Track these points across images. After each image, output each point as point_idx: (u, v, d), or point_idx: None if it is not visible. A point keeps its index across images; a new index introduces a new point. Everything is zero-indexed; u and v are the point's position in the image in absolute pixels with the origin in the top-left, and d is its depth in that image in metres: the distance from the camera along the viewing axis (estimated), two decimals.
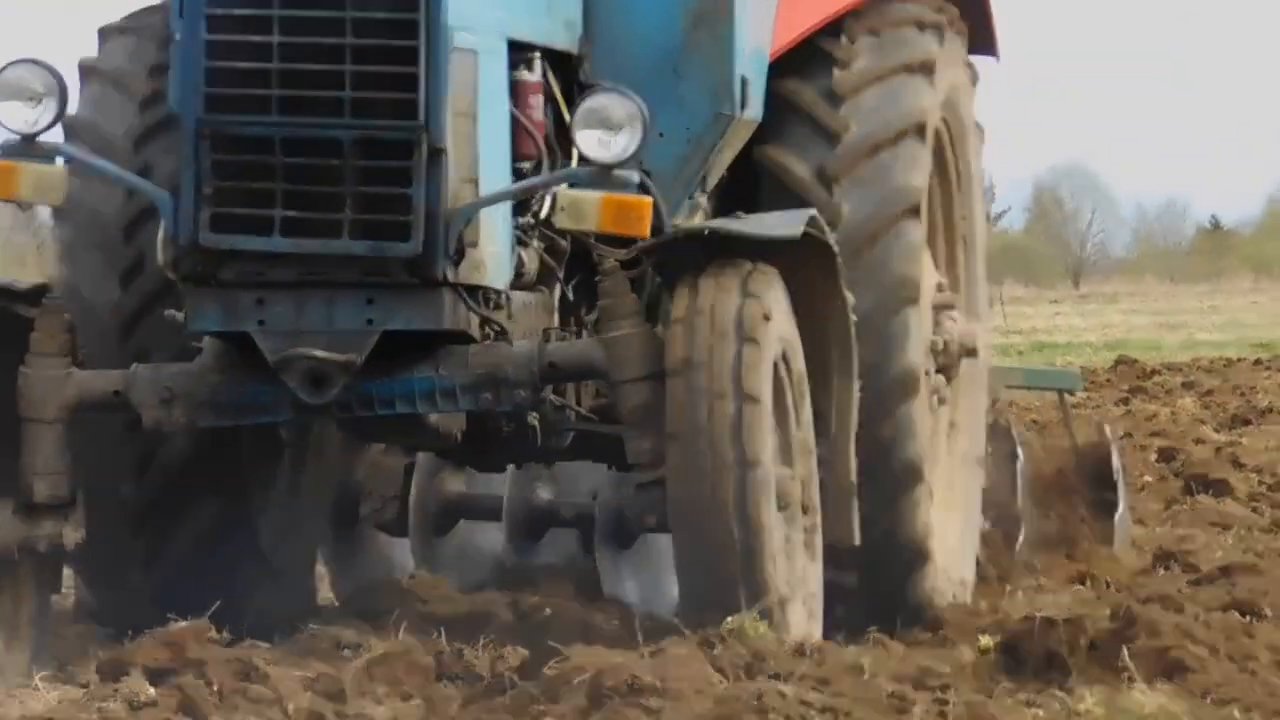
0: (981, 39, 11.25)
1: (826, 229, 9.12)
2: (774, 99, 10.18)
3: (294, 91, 8.33)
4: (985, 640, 9.66)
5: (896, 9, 10.52)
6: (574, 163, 9.00)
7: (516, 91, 9.14)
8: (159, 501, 9.78)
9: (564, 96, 9.66)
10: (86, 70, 9.58)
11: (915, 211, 9.98)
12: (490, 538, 11.55)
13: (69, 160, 8.70)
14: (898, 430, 9.95)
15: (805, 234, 8.84)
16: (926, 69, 10.19)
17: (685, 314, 8.44)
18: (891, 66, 10.17)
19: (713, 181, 10.14)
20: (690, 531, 8.44)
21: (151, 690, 8.24)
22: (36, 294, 8.81)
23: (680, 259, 8.71)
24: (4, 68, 8.56)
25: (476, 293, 8.66)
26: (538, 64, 9.10)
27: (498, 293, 8.78)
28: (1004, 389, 13.43)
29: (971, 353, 10.90)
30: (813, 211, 9.13)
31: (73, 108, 8.83)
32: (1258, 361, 33.01)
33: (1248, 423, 22.21)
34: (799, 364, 8.90)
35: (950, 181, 11.02)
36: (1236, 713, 8.79)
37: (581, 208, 8.46)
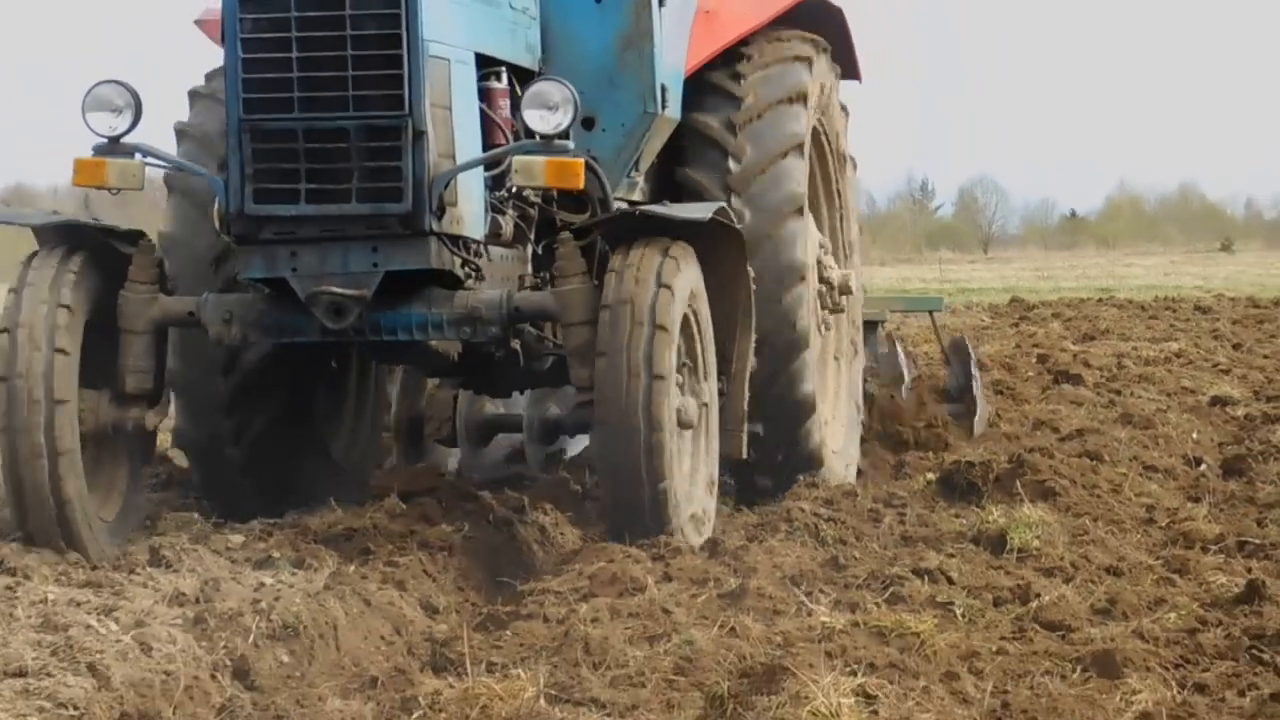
0: (847, 69, 12.87)
1: (733, 217, 10.54)
2: (689, 129, 11.66)
3: (309, 94, 9.53)
4: (930, 476, 12.56)
5: (775, 46, 11.90)
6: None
7: (486, 95, 10.36)
8: (240, 394, 11.10)
9: None
10: (179, 133, 10.96)
11: (800, 211, 11.53)
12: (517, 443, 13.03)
13: (144, 155, 9.90)
14: (795, 374, 11.56)
15: (715, 220, 10.15)
16: (801, 98, 11.67)
17: (618, 268, 9.69)
18: (774, 100, 11.60)
19: (645, 164, 11.50)
20: (609, 425, 9.58)
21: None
22: (134, 236, 9.98)
23: (619, 232, 9.99)
24: (93, 86, 9.87)
25: (458, 241, 9.86)
26: (504, 75, 10.38)
27: (476, 242, 10.02)
28: (889, 313, 16.00)
29: (846, 290, 12.61)
30: (722, 204, 10.60)
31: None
32: (1099, 300, 40.84)
33: (1093, 339, 27.69)
34: (706, 320, 10.15)
35: (828, 163, 12.72)
36: (1087, 522, 11.35)
37: (531, 169, 9.72)
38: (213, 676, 7.81)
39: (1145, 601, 9.43)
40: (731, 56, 11.64)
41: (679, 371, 9.78)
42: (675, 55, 11.35)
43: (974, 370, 15.36)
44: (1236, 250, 64.72)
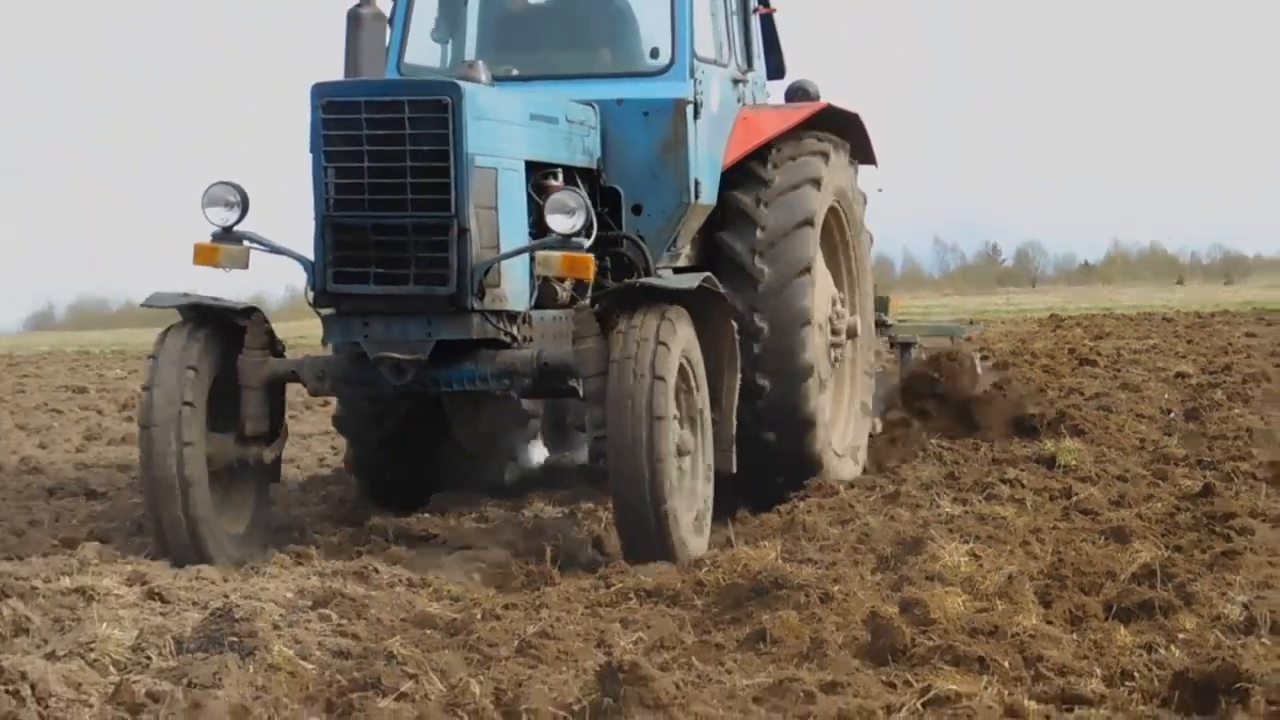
0: (863, 154, 13.26)
1: (718, 285, 10.65)
2: (728, 203, 11.94)
3: (378, 197, 9.78)
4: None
5: (798, 143, 12.22)
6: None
7: (544, 191, 10.50)
8: (382, 403, 11.76)
9: (591, 193, 11.13)
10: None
11: (807, 270, 11.79)
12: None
13: (251, 242, 10.25)
14: (801, 396, 11.75)
15: (702, 288, 10.35)
16: (815, 183, 12.00)
17: (624, 329, 9.81)
18: (792, 184, 11.95)
19: (684, 240, 11.78)
20: (619, 458, 9.61)
21: None
22: (249, 311, 10.39)
23: (625, 300, 10.10)
24: (210, 186, 10.20)
25: (500, 314, 10.07)
26: (559, 175, 10.65)
27: (519, 313, 10.23)
28: (918, 337, 16.28)
29: (853, 333, 13.00)
30: (708, 275, 10.65)
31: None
32: (1105, 315, 43.17)
33: (1101, 338, 31.51)
34: (699, 365, 10.26)
35: (847, 237, 13.05)
36: (1104, 449, 13.49)
37: (549, 261, 9.99)
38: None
39: (1141, 496, 11.37)
40: (765, 151, 12.07)
41: (678, 408, 9.89)
42: (713, 152, 11.77)
43: (979, 369, 15.74)
44: (1185, 283, 76.51)
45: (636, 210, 11.37)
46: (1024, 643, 7.24)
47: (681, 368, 9.88)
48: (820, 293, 12.06)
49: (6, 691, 6.90)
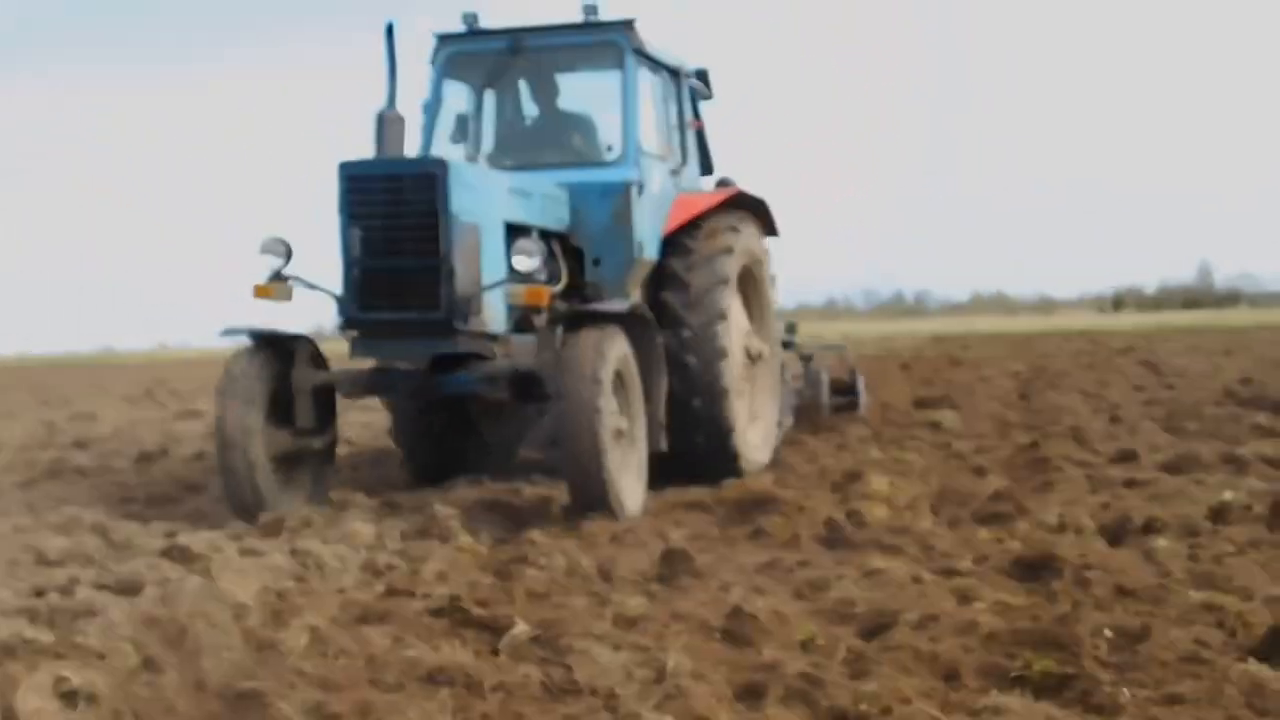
0: (768, 227, 11.44)
1: (647, 311, 9.30)
2: (665, 267, 10.28)
3: (388, 247, 8.55)
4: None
5: (718, 220, 10.61)
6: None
7: (542, 251, 8.95)
8: (422, 415, 10.55)
9: (564, 251, 9.86)
10: None
11: (723, 317, 10.05)
12: None
13: (295, 282, 8.89)
14: (721, 408, 9.98)
15: (632, 312, 9.06)
16: (729, 250, 10.33)
17: (571, 345, 8.48)
18: (714, 252, 10.31)
19: (633, 288, 10.00)
20: (570, 439, 8.22)
21: None
22: (299, 338, 9.12)
23: (575, 322, 8.82)
24: (263, 238, 8.92)
25: (483, 335, 8.79)
26: (535, 233, 9.03)
27: (498, 335, 8.91)
28: (817, 350, 14.18)
29: (760, 356, 11.03)
30: (637, 301, 9.43)
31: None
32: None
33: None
34: (633, 372, 8.84)
35: (759, 290, 11.14)
36: (970, 417, 13.30)
37: (515, 293, 8.75)
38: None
39: (992, 446, 11.09)
40: (693, 226, 10.54)
41: (616, 404, 8.55)
42: (655, 223, 10.28)
43: (860, 382, 14.35)
44: (1017, 315, 76.16)
45: (596, 263, 10.00)
46: (922, 537, 7.25)
47: (618, 372, 8.62)
48: (736, 330, 10.51)
49: (300, 563, 7.02)
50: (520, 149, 10.46)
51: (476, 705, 4.51)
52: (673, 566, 6.62)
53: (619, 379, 8.67)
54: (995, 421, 13.40)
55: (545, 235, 9.58)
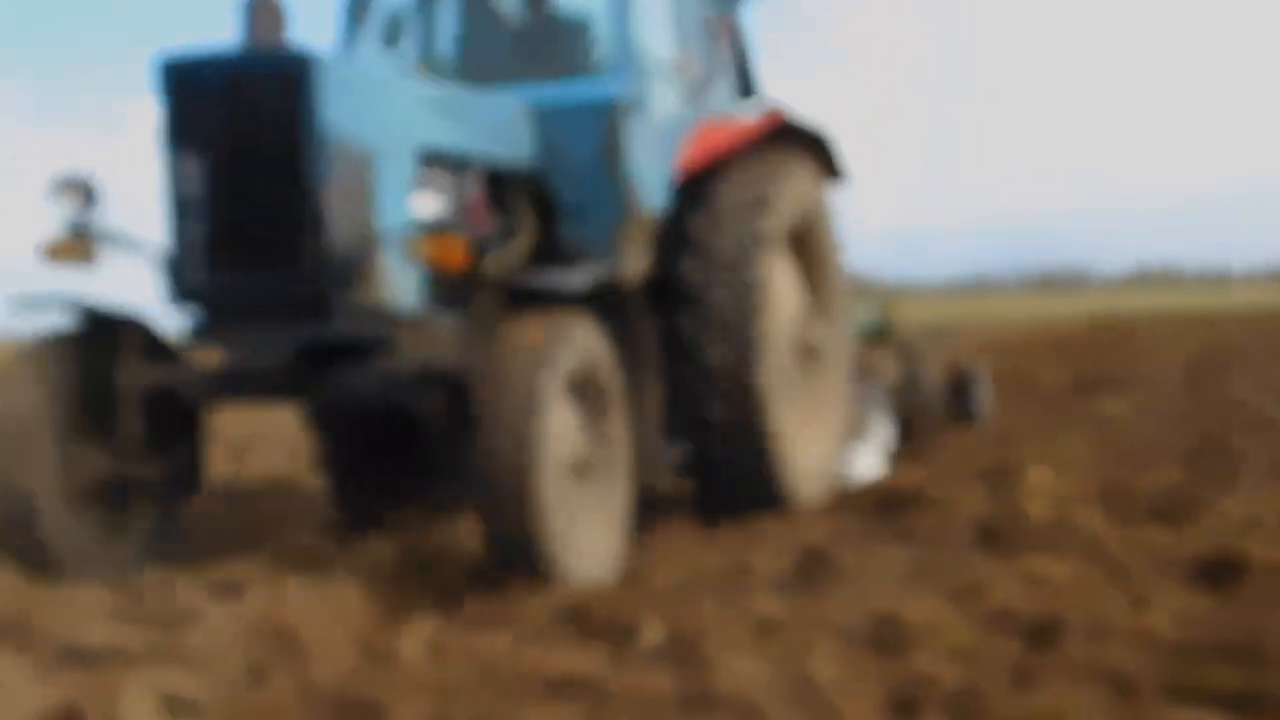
0: (832, 169, 9.05)
1: (624, 282, 7.28)
2: (678, 227, 8.14)
3: (235, 183, 6.35)
4: None
5: (757, 160, 8.40)
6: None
7: (460, 186, 7.10)
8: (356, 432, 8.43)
9: (529, 198, 7.68)
10: None
11: (760, 293, 7.98)
12: None
13: (99, 235, 6.65)
14: (755, 417, 7.98)
15: (608, 286, 7.07)
16: (768, 201, 8.19)
17: (505, 334, 6.25)
18: (744, 202, 8.16)
19: (634, 255, 7.82)
20: (485, 482, 5.99)
21: None
22: (124, 319, 6.84)
23: (509, 302, 6.73)
24: (55, 176, 6.70)
25: (376, 315, 6.52)
26: (474, 171, 7.19)
27: (401, 314, 6.62)
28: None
29: (820, 350, 8.85)
30: (603, 273, 7.14)
31: None
32: None
33: None
34: (607, 370, 6.62)
35: (820, 258, 8.90)
36: (1145, 404, 13.51)
37: (416, 249, 6.46)
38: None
39: (1167, 440, 10.88)
40: (721, 168, 8.33)
41: (578, 422, 6.48)
42: (662, 159, 8.11)
43: (978, 383, 12.27)
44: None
45: (576, 217, 7.76)
46: (1089, 536, 7.05)
47: (581, 376, 6.48)
48: (781, 311, 8.33)
49: (410, 562, 6.87)
50: (487, 62, 8.31)
51: (606, 715, 4.50)
52: (812, 568, 6.54)
53: (583, 387, 6.55)
54: (1166, 408, 13.08)
55: (497, 175, 7.48)
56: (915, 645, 5.13)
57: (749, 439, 8.02)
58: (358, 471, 8.55)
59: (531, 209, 7.68)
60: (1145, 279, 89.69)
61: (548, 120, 7.80)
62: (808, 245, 8.89)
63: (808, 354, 8.80)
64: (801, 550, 6.84)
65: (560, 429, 6.24)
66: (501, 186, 7.51)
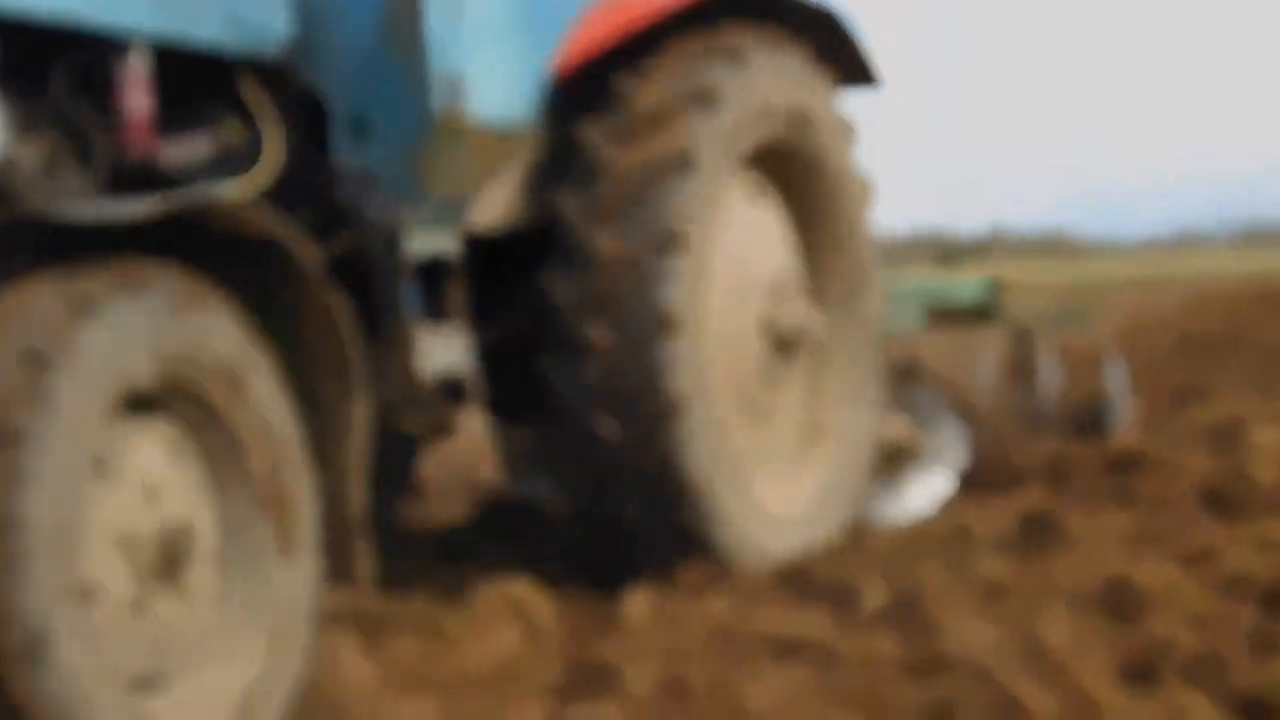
0: (850, 67, 6.37)
1: (255, 223, 4.24)
2: (566, 142, 5.63)
3: None
4: None
5: (698, 40, 5.78)
6: None
7: (94, 82, 4.57)
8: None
9: (284, 104, 5.14)
10: None
11: (679, 247, 5.50)
12: None
13: None
14: (669, 446, 5.60)
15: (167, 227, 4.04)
16: (708, 99, 5.64)
17: None
18: (667, 103, 5.60)
19: (448, 182, 5.33)
20: None
21: None
22: None
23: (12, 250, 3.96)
24: None
25: None
26: (137, 55, 4.56)
27: None
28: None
29: (797, 339, 6.19)
30: (195, 196, 4.30)
31: None
32: None
33: None
34: (237, 387, 4.08)
35: (821, 197, 6.31)
36: None
37: None
38: None
39: None
40: (637, 50, 5.71)
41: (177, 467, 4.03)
42: (517, 37, 5.53)
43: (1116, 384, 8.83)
44: None
45: (359, 130, 5.24)
46: None
47: (171, 395, 4.02)
48: (725, 276, 5.84)
49: None
50: None
51: (837, 678, 4.59)
52: (1035, 531, 6.60)
53: (191, 410, 4.10)
54: None
55: (189, 60, 4.93)
56: (1149, 610, 5.15)
57: (654, 470, 5.60)
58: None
59: (282, 118, 5.16)
60: None
61: None
62: (799, 183, 6.28)
63: (786, 347, 6.22)
64: (1023, 513, 6.87)
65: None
66: (210, 80, 5.06)
